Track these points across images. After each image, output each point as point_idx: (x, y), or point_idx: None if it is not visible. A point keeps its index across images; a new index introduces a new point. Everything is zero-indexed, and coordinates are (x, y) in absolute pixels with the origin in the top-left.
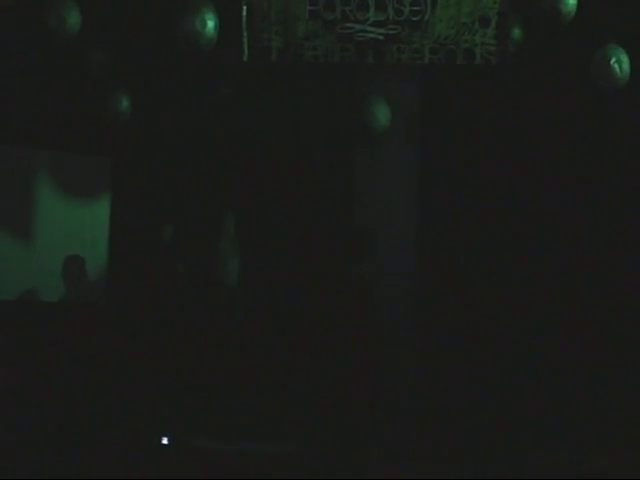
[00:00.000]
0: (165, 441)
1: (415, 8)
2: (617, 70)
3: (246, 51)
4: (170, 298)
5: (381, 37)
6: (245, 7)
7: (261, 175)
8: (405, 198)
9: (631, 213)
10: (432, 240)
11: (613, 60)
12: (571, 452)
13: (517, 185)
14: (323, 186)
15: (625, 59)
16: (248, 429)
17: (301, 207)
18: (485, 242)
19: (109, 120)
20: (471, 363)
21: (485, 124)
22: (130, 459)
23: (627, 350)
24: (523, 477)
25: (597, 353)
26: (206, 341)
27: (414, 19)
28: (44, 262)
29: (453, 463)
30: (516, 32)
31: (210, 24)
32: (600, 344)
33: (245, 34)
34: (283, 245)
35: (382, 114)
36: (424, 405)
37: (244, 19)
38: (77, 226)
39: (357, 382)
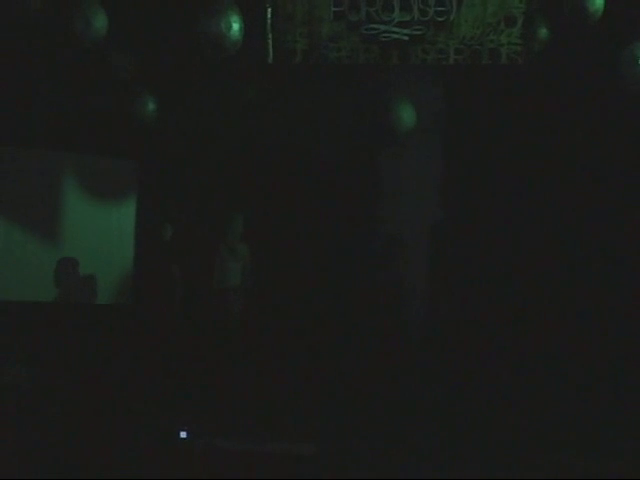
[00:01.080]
0: (184, 435)
1: (440, 8)
2: None
3: (271, 53)
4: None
5: (406, 38)
6: (270, 9)
7: (285, 177)
8: (430, 198)
9: None
10: (457, 240)
11: None
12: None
13: (543, 185)
14: (348, 187)
15: None
16: (268, 429)
17: (326, 208)
18: (511, 242)
19: (135, 123)
20: (487, 366)
21: (511, 124)
22: (148, 456)
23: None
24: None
25: (613, 352)
26: (224, 341)
27: (439, 19)
28: None
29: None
30: (542, 31)
31: (235, 26)
32: (619, 343)
33: (270, 36)
34: (307, 247)
35: (407, 115)
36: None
37: (269, 21)
38: (104, 228)
39: (380, 383)
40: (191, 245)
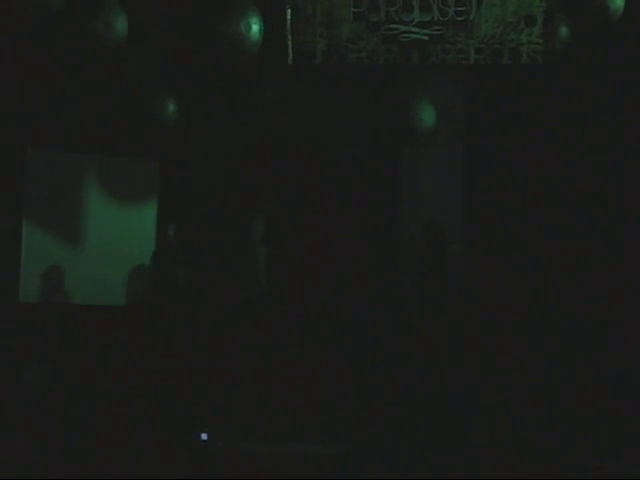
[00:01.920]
0: (204, 437)
1: (460, 8)
2: None
3: (291, 54)
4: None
5: (426, 38)
6: (289, 10)
7: (305, 178)
8: (451, 198)
9: None
10: (479, 240)
11: None
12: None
13: (564, 184)
14: (369, 188)
15: None
16: (288, 430)
17: (345, 210)
18: (532, 240)
19: (156, 124)
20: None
21: (532, 124)
22: (169, 457)
23: None
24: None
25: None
26: (244, 342)
27: (459, 19)
28: (93, 266)
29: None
30: (563, 30)
31: (255, 28)
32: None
33: (289, 37)
34: (325, 247)
35: (427, 115)
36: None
37: (288, 22)
38: (125, 230)
39: (402, 387)
40: (205, 247)
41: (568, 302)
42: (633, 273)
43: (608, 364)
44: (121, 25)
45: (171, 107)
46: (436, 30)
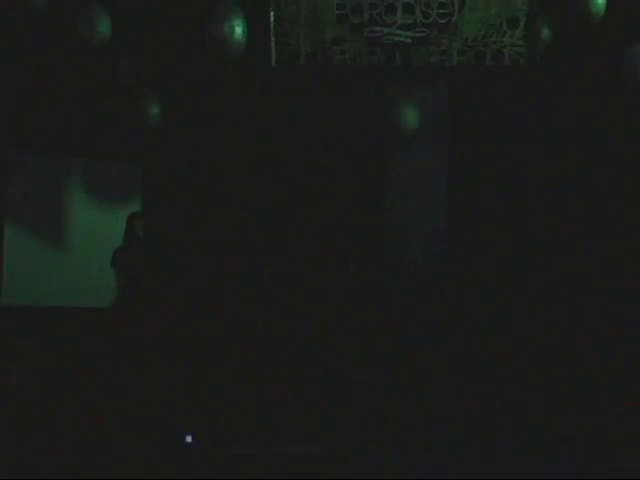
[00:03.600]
0: (189, 439)
1: (443, 10)
2: None
3: (274, 56)
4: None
5: (409, 40)
6: (273, 12)
7: (289, 178)
8: (435, 199)
9: None
10: (463, 241)
11: None
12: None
13: (547, 185)
14: (353, 188)
15: None
16: (273, 432)
17: (330, 209)
18: (516, 241)
19: (140, 126)
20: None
21: (514, 125)
22: (153, 460)
23: None
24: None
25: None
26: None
27: (442, 21)
28: (77, 268)
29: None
30: (545, 32)
31: (238, 29)
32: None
33: (273, 39)
34: (310, 246)
35: (411, 116)
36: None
37: (272, 24)
38: (109, 232)
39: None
40: (190, 248)
41: (552, 302)
42: (618, 274)
43: (594, 365)
44: (105, 27)
45: (155, 109)
46: (419, 32)
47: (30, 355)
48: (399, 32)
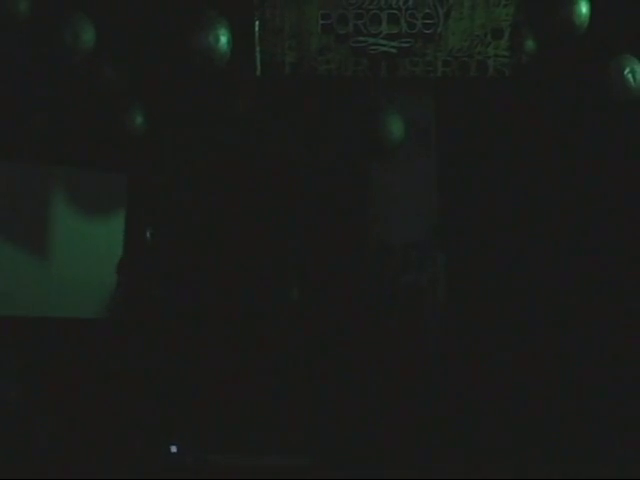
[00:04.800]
0: (174, 449)
1: (428, 21)
2: (631, 80)
3: (259, 66)
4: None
5: (394, 50)
6: (258, 22)
7: (275, 188)
8: (422, 211)
9: None
10: (450, 252)
11: (627, 70)
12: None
13: (532, 195)
14: (338, 200)
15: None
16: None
17: (315, 221)
18: (503, 251)
19: (124, 136)
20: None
21: (499, 136)
22: (139, 470)
23: None
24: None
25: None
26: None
27: (427, 32)
28: (60, 279)
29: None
30: (529, 44)
31: (223, 39)
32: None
33: (258, 49)
34: (294, 257)
35: (396, 127)
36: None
37: (257, 34)
38: (93, 242)
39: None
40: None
41: (542, 311)
42: (607, 283)
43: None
44: (89, 36)
45: (139, 119)
46: (404, 42)
47: (13, 366)
48: (384, 42)
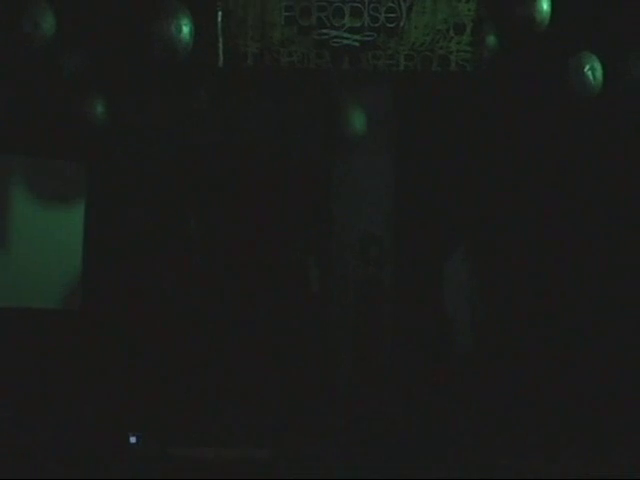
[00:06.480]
0: (133, 440)
1: (390, 15)
2: (591, 77)
3: (221, 56)
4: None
5: (357, 43)
6: (220, 13)
7: (235, 179)
8: (382, 204)
9: (610, 217)
10: (410, 245)
11: (587, 68)
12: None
13: (493, 189)
14: (299, 192)
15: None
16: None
17: (277, 212)
18: (459, 244)
19: (84, 125)
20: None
21: (460, 130)
22: (97, 461)
23: None
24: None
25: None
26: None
27: (389, 26)
28: (19, 268)
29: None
30: (491, 39)
31: (185, 29)
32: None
33: (220, 39)
34: (258, 249)
35: (357, 120)
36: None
37: (219, 24)
38: (52, 231)
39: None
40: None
41: (505, 307)
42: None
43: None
44: (49, 24)
45: (99, 107)
46: (367, 36)
47: None
48: (347, 35)
